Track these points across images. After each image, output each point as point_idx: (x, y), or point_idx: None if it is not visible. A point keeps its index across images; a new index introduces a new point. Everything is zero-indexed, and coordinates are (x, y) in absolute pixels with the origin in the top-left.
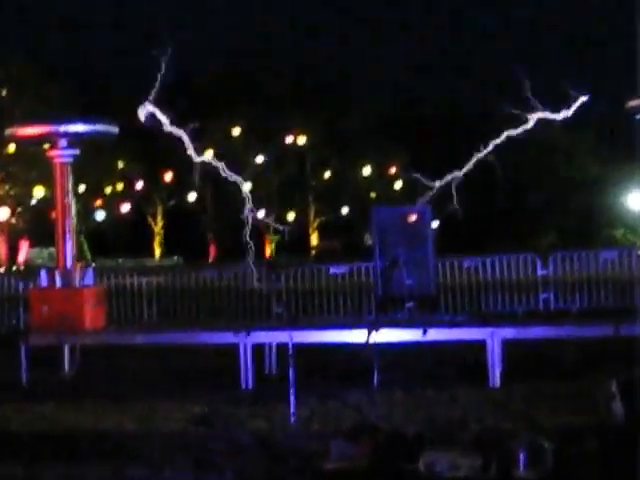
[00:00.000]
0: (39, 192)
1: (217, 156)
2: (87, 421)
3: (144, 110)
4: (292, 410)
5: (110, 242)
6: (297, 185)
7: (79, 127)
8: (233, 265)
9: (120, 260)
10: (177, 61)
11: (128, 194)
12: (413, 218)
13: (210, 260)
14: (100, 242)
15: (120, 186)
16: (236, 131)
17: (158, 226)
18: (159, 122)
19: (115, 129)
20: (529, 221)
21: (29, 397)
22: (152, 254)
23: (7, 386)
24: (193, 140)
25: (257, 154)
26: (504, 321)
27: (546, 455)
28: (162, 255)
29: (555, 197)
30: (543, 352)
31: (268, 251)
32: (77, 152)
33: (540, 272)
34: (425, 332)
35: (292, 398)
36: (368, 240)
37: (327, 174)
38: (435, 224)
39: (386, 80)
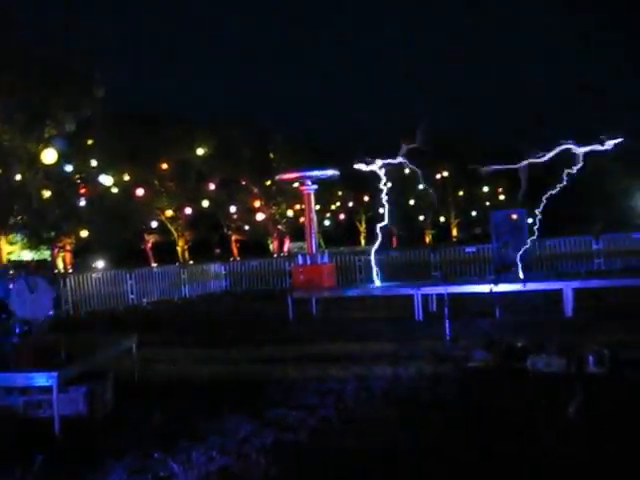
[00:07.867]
0: (291, 211)
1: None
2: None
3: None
4: (447, 332)
5: (333, 237)
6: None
7: (317, 173)
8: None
9: (341, 247)
10: None
11: (344, 208)
12: (514, 217)
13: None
14: (328, 237)
15: (338, 204)
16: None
17: (362, 227)
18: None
19: (337, 173)
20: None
21: (293, 324)
22: (359, 243)
23: (279, 319)
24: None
25: None
26: (573, 277)
27: (606, 359)
28: (365, 244)
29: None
30: (598, 295)
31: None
32: (316, 187)
33: (594, 246)
34: (525, 284)
35: (447, 325)
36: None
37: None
38: (529, 220)
39: None
